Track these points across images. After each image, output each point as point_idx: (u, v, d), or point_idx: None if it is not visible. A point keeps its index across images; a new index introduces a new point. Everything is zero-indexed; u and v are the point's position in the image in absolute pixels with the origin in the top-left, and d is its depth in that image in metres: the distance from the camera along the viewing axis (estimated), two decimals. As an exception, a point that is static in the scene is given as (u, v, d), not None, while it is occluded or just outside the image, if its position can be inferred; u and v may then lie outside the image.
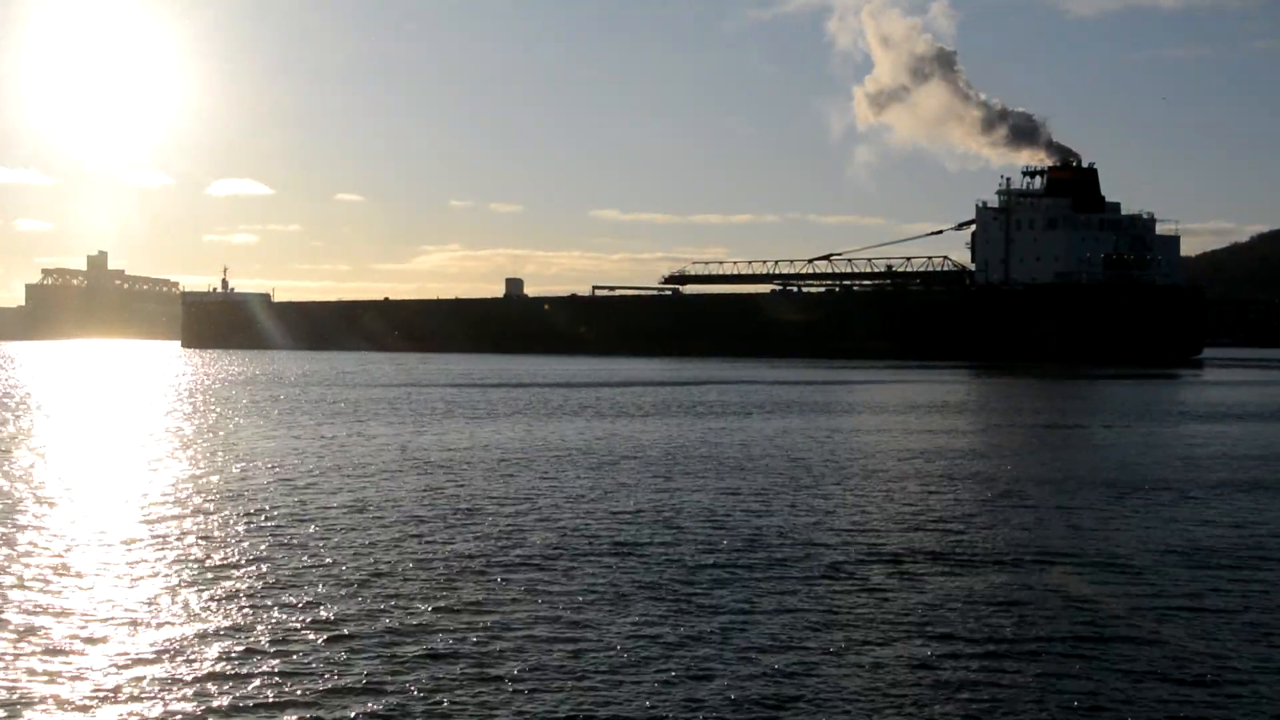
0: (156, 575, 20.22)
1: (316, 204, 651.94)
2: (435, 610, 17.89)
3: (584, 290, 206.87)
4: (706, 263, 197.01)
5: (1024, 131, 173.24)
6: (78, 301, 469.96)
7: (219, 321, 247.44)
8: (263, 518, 26.00)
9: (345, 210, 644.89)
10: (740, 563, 21.43)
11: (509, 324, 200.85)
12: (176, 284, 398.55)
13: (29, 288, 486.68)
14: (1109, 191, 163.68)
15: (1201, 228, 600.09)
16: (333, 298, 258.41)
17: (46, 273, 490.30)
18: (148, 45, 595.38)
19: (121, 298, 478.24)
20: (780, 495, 29.59)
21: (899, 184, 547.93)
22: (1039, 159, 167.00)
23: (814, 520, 26.02)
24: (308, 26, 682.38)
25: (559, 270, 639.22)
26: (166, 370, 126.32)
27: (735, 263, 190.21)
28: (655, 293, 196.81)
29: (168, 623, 17.18)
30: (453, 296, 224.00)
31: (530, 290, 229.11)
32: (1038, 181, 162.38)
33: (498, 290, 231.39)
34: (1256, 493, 30.76)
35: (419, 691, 14.30)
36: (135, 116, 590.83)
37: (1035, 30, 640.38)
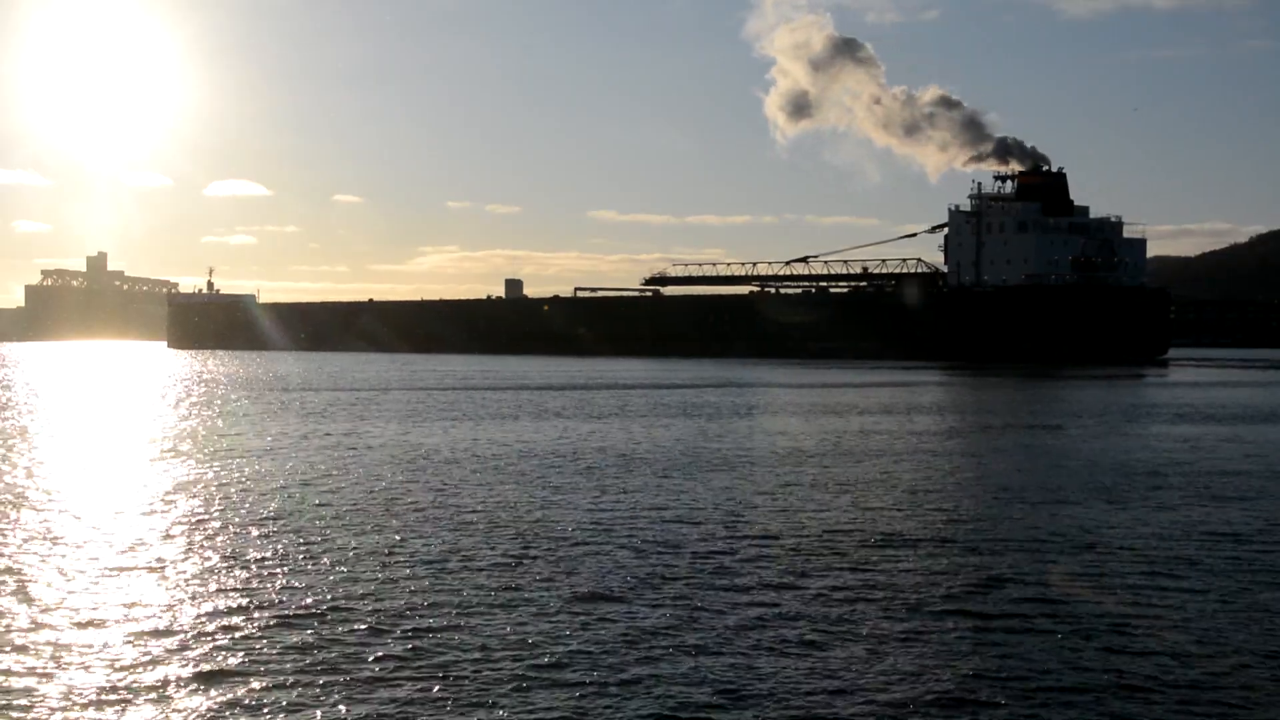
0: (149, 574, 20.46)
1: (314, 205, 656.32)
2: (431, 607, 18.17)
3: (567, 292, 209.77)
4: (686, 264, 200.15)
5: (969, 126, 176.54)
6: (77, 302, 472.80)
7: (205, 322, 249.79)
8: (244, 518, 26.28)
9: (343, 211, 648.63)
10: (722, 559, 21.95)
11: (499, 325, 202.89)
12: (176, 285, 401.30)
13: (28, 289, 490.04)
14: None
15: (1200, 228, 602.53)
16: (331, 299, 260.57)
17: (46, 274, 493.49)
18: (146, 47, 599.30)
19: (120, 299, 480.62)
20: (769, 493, 30.48)
21: (892, 185, 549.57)
22: (995, 162, 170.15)
23: (799, 517, 26.71)
24: (306, 28, 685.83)
25: (557, 271, 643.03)
26: (147, 372, 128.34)
27: (714, 264, 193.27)
28: (637, 293, 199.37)
29: (164, 621, 17.38)
30: (439, 298, 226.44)
31: (529, 291, 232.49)
32: (1009, 186, 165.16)
33: (497, 291, 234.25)
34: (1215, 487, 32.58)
35: (411, 689, 14.43)
36: (134, 118, 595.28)
37: (1031, 32, 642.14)
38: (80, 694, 14.18)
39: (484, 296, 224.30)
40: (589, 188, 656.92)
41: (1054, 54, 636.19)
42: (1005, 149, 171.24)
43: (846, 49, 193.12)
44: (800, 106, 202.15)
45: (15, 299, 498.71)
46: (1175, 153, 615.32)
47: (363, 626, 17.09)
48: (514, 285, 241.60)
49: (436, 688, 14.48)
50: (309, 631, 16.85)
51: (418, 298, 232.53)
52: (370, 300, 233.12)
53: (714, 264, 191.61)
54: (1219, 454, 41.17)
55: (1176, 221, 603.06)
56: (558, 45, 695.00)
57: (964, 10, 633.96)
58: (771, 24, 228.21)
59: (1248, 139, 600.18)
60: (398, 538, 24.00)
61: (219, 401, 70.04)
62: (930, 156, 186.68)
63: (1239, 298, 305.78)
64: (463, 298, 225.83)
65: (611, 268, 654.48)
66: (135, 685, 14.50)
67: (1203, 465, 37.63)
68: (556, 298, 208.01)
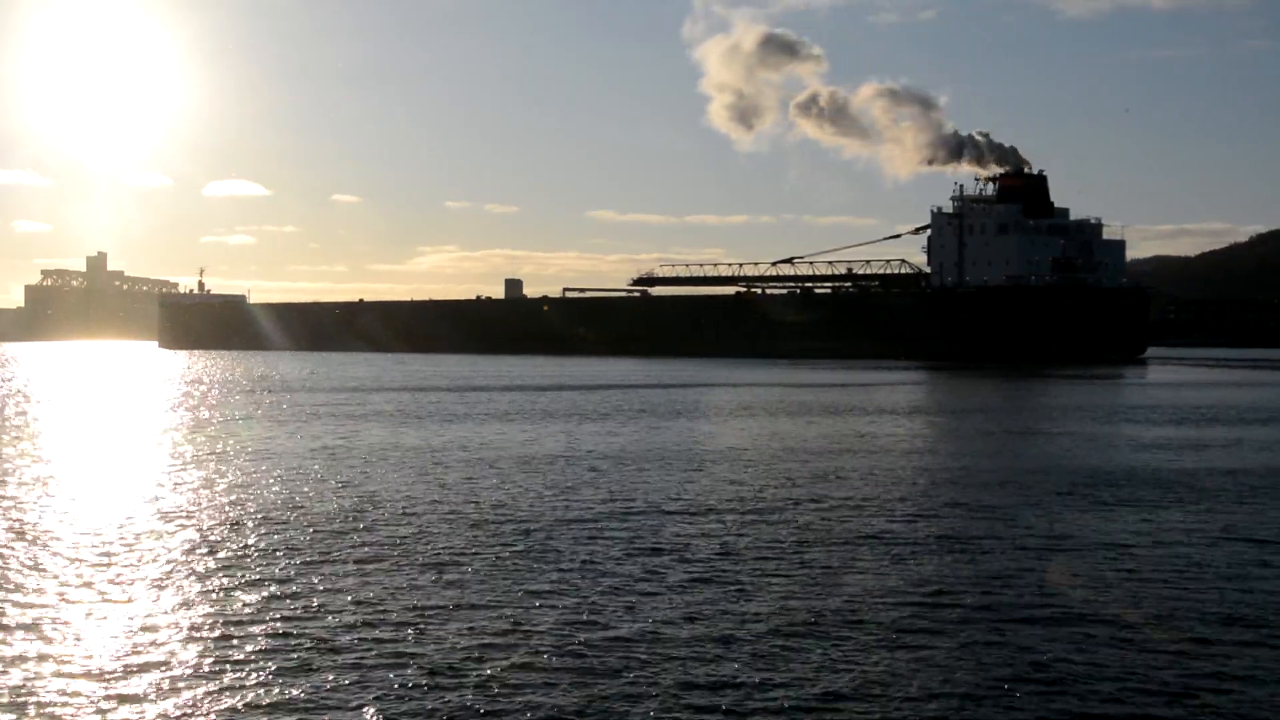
0: (145, 576, 20.48)
1: (313, 205, 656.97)
2: (425, 605, 18.43)
3: (556, 293, 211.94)
4: (674, 265, 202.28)
5: (921, 122, 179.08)
6: (77, 302, 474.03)
7: (196, 323, 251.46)
8: (234, 518, 26.38)
9: (342, 211, 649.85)
10: (714, 557, 22.25)
11: (496, 325, 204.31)
12: (176, 285, 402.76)
13: (28, 289, 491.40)
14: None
15: (1199, 229, 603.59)
16: (330, 299, 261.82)
17: (45, 274, 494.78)
18: (146, 47, 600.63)
19: (120, 299, 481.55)
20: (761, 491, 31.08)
21: (856, 191, 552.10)
22: (948, 160, 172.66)
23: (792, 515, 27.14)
24: (305, 28, 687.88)
25: (557, 271, 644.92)
26: (132, 372, 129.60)
27: (702, 265, 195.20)
28: (624, 293, 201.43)
29: (158, 620, 17.55)
30: (430, 299, 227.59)
31: (528, 291, 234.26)
32: (990, 187, 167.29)
33: (496, 291, 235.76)
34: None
35: (407, 688, 14.62)
36: (133, 118, 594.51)
37: (1029, 32, 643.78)
38: (77, 694, 14.29)
39: (474, 297, 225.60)
40: (588, 188, 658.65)
41: (1053, 54, 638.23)
42: (961, 145, 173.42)
43: (783, 49, 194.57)
44: (744, 114, 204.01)
45: (15, 299, 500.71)
46: (1174, 153, 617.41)
47: (353, 624, 17.31)
48: (514, 285, 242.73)
49: (432, 687, 14.65)
50: (302, 629, 17.04)
51: (417, 298, 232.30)
52: (361, 300, 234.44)
53: (701, 264, 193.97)
54: (1191, 451, 42.22)
55: (1176, 222, 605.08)
56: (558, 45, 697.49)
57: (963, 10, 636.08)
58: (704, 30, 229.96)
59: (1247, 139, 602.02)
60: (388, 535, 24.23)
61: (198, 401, 71.22)
62: (889, 158, 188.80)
63: (1238, 298, 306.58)
64: (457, 298, 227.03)
65: (611, 268, 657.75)
66: (132, 684, 14.63)
67: (1174, 462, 38.51)
68: (546, 298, 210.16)
